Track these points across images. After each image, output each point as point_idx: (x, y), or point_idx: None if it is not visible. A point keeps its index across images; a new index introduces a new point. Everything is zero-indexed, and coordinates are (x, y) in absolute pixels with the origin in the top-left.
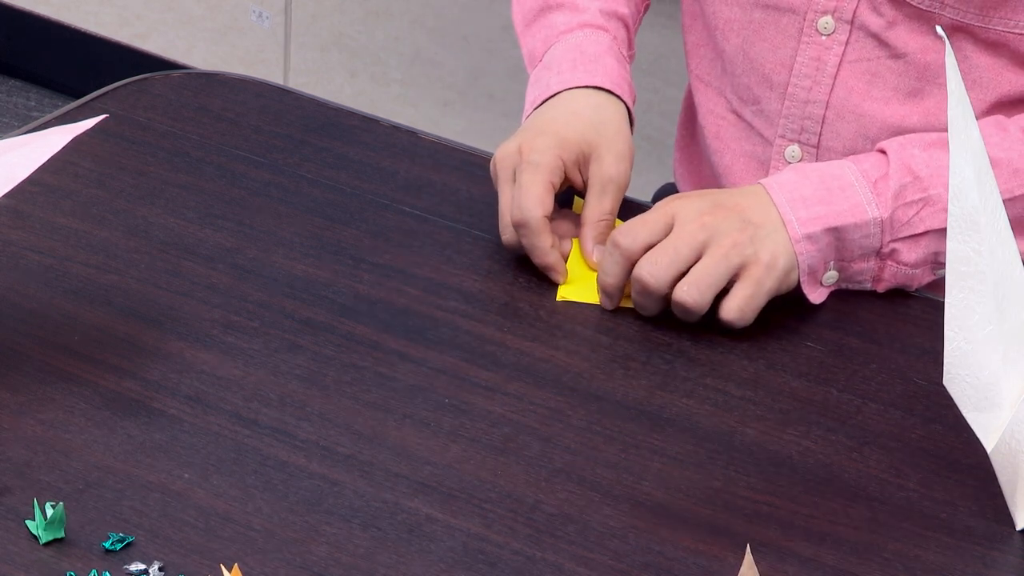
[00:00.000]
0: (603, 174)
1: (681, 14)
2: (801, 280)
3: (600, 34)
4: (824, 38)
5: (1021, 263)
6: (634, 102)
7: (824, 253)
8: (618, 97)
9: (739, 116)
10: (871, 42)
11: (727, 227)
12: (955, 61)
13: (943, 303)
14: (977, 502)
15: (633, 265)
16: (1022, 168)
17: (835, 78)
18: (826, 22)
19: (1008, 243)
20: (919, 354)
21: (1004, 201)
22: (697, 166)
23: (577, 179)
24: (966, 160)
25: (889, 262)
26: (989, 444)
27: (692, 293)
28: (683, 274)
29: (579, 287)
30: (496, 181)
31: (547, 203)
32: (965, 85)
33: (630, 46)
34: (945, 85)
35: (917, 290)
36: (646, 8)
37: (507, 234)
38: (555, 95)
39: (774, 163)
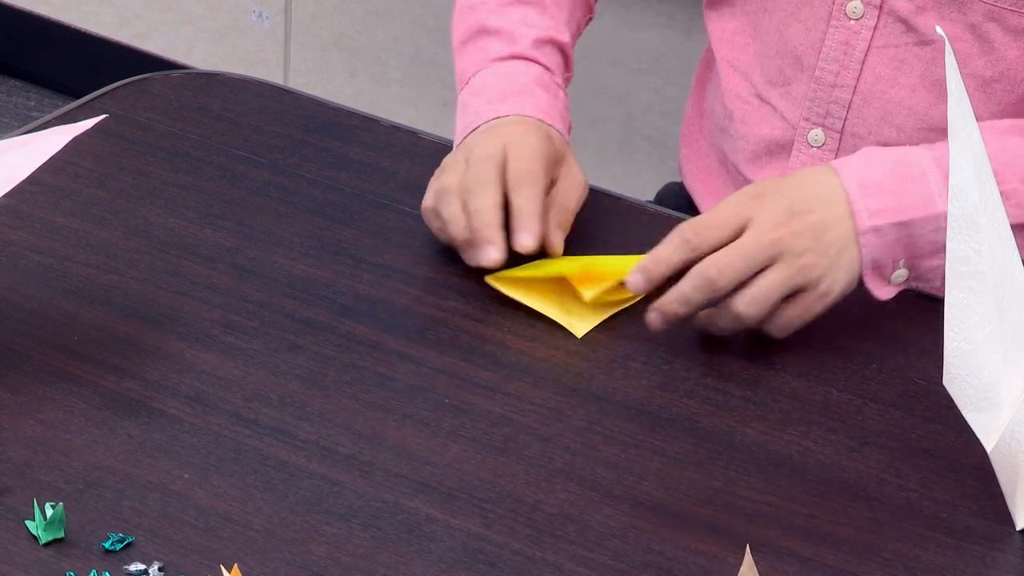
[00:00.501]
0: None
1: (704, 5)
2: (864, 275)
3: (530, 66)
4: (853, 22)
5: (1021, 263)
6: (569, 128)
7: (891, 247)
8: (549, 124)
9: (764, 100)
10: (899, 28)
11: (800, 246)
12: (955, 61)
13: (943, 303)
14: (977, 502)
15: (691, 262)
16: None
17: (863, 63)
18: (855, 6)
19: (1008, 243)
20: (919, 354)
21: None
22: (706, 161)
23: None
24: (966, 160)
25: None
26: (989, 444)
27: (752, 308)
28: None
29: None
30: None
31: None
32: (993, 79)
33: (567, 68)
34: (972, 75)
35: (917, 289)
36: (588, 21)
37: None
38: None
39: (796, 146)
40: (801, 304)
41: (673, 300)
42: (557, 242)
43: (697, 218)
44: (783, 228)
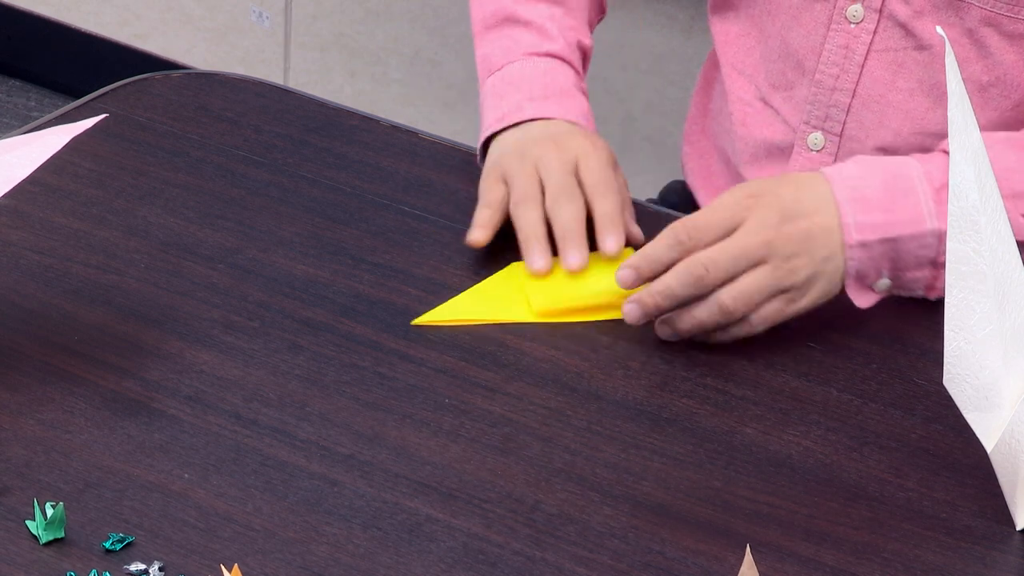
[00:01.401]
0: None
1: (709, 8)
2: (846, 284)
3: (567, 69)
4: (853, 26)
5: (1021, 263)
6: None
7: (876, 260)
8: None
9: (766, 103)
10: (898, 32)
11: (788, 250)
12: (955, 61)
13: (943, 303)
14: (977, 502)
15: (678, 258)
16: None
17: (862, 67)
18: (855, 10)
19: (1008, 243)
20: (919, 354)
21: None
22: (708, 160)
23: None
24: (966, 160)
25: (943, 271)
26: (989, 444)
27: (738, 303)
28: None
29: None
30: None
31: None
32: (989, 84)
33: (585, 73)
34: (969, 79)
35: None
36: (600, 20)
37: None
38: (530, 121)
39: (796, 150)
40: (776, 304)
41: (658, 293)
42: (637, 232)
43: (690, 217)
44: (773, 231)
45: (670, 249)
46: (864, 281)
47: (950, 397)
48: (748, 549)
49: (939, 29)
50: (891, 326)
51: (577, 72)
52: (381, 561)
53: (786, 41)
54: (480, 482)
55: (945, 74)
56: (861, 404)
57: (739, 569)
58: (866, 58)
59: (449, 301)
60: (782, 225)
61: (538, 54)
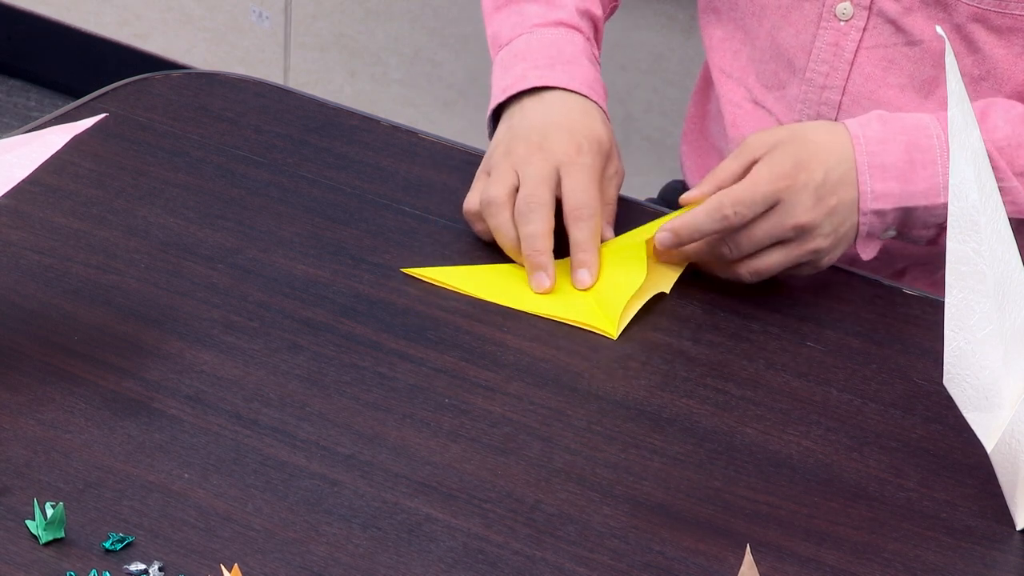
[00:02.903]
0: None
1: (699, 12)
2: (856, 242)
3: (575, 35)
4: (842, 24)
5: (1021, 263)
6: (606, 99)
7: (887, 223)
8: (594, 102)
9: (759, 105)
10: (888, 28)
11: (818, 231)
12: (955, 61)
13: (943, 303)
14: (977, 502)
15: (723, 234)
16: None
17: (852, 64)
18: (844, 8)
19: (1008, 243)
20: (919, 354)
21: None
22: (706, 160)
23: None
24: (966, 160)
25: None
26: (989, 444)
27: (754, 278)
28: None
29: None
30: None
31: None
32: (980, 78)
33: (599, 45)
34: (962, 74)
35: (917, 289)
36: (613, 9)
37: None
38: (534, 91)
39: None
40: (790, 260)
41: (685, 225)
42: (609, 237)
43: (735, 190)
44: (808, 215)
45: (714, 222)
46: (872, 237)
47: (950, 397)
48: (748, 549)
49: (939, 29)
50: (891, 326)
51: (588, 39)
52: (381, 561)
53: (776, 41)
54: (480, 482)
55: (934, 69)
56: (861, 404)
57: (739, 569)
58: (856, 55)
59: (448, 268)
60: (815, 208)
61: (546, 24)
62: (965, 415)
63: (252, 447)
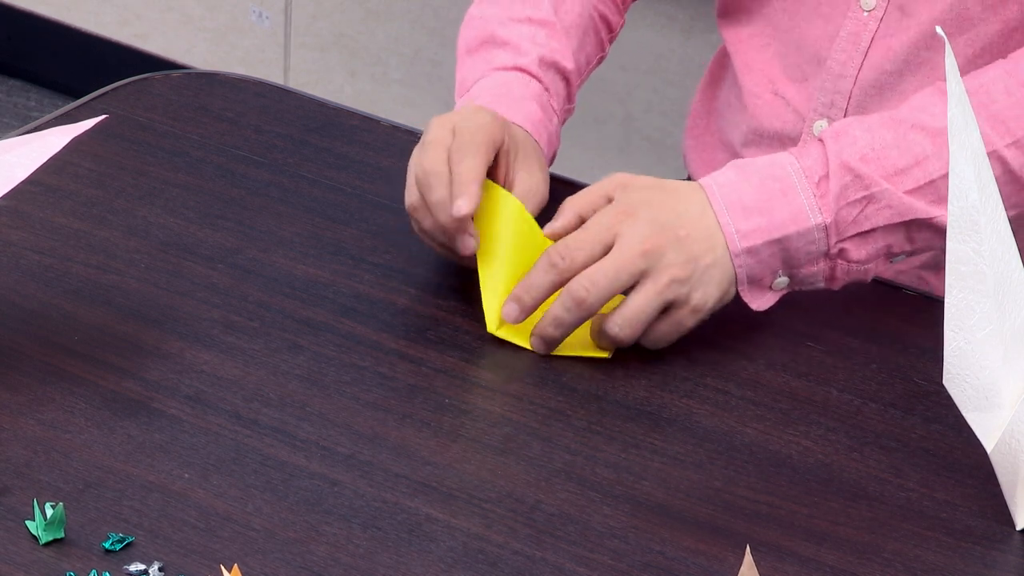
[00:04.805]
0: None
1: (717, 15)
2: (740, 290)
3: (531, 81)
4: (865, 14)
5: (1021, 263)
6: (553, 153)
7: (767, 263)
8: (528, 132)
9: (778, 95)
10: (897, 15)
11: (668, 260)
12: (955, 62)
13: (943, 303)
14: (977, 502)
15: (561, 283)
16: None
17: (866, 53)
18: None
19: (1008, 243)
20: (919, 354)
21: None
22: (710, 153)
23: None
24: (966, 160)
25: (839, 261)
26: (989, 444)
27: (625, 330)
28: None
29: (516, 328)
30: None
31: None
32: (975, 56)
33: (568, 99)
34: (957, 54)
35: (917, 289)
36: (599, 60)
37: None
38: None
39: (803, 139)
40: (673, 319)
41: (548, 324)
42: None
43: (564, 239)
44: (650, 241)
45: (546, 273)
46: (760, 283)
47: (950, 397)
48: (748, 549)
49: (939, 29)
50: (891, 326)
51: (546, 89)
52: (381, 561)
53: (804, 34)
54: (480, 482)
55: (929, 48)
56: (861, 404)
57: (739, 569)
58: (870, 45)
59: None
60: (658, 235)
61: (505, 68)
62: (965, 415)
63: (252, 447)
